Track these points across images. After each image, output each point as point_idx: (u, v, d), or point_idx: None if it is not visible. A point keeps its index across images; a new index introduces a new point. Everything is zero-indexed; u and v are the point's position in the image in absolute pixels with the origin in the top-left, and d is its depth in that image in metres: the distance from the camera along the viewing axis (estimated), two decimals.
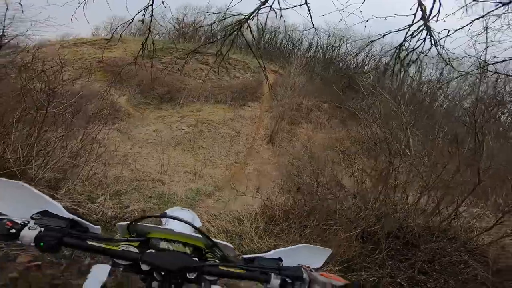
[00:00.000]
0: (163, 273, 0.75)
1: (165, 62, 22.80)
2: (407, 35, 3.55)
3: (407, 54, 3.82)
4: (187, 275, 0.77)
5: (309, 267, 0.86)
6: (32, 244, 0.67)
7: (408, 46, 3.70)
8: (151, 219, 0.91)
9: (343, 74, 26.26)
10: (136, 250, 0.79)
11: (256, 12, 3.73)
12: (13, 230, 0.66)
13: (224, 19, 4.43)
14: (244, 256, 0.92)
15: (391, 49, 3.99)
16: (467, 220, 4.15)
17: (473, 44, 3.70)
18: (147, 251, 0.78)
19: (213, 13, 4.58)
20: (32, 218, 0.72)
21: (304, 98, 20.56)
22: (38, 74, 4.70)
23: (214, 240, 0.86)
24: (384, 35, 3.82)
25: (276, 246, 3.84)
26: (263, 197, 5.32)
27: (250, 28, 4.02)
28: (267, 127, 17.55)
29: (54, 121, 4.85)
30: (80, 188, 4.40)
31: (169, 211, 1.70)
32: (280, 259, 0.92)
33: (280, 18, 3.88)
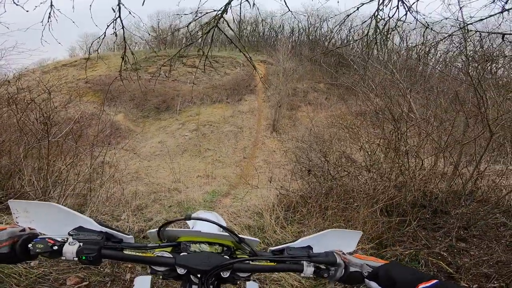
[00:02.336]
0: (199, 275, 0.77)
1: (151, 72, 22.72)
2: (379, 4, 3.61)
3: (385, 24, 3.86)
4: (221, 274, 0.78)
5: (341, 251, 0.85)
6: (75, 258, 0.71)
7: (383, 15, 3.76)
8: (179, 224, 0.94)
9: (330, 51, 26.15)
10: (170, 255, 0.80)
11: (229, 5, 3.68)
12: (56, 247, 0.70)
13: (198, 18, 4.34)
14: (272, 248, 0.91)
15: (366, 19, 3.98)
16: (491, 179, 4.01)
17: (448, 7, 3.77)
18: (180, 255, 0.80)
19: (186, 14, 4.49)
20: (69, 234, 0.75)
21: (298, 81, 20.53)
22: (28, 105, 4.68)
23: (241, 236, 0.85)
24: (358, 8, 3.88)
25: (300, 233, 3.83)
26: (276, 186, 5.28)
27: (227, 22, 3.99)
28: (267, 117, 17.60)
29: (59, 150, 4.91)
30: (102, 208, 4.47)
31: (194, 215, 1.79)
32: (309, 247, 0.90)
33: (253, 6, 3.84)
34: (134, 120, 17.59)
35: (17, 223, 0.80)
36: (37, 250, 0.69)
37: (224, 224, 1.86)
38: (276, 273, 2.67)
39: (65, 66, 22.77)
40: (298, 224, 4.16)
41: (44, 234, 0.75)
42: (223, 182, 9.77)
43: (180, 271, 0.77)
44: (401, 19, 3.69)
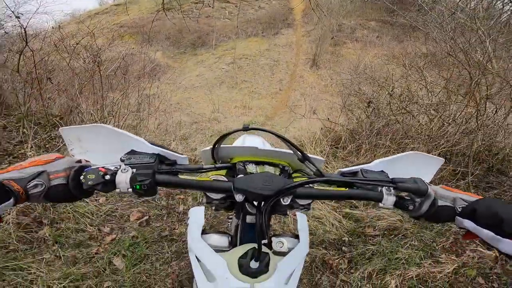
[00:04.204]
0: (256, 203, 0.66)
1: (185, 11, 22.16)
2: None
3: None
4: (282, 200, 0.66)
5: (420, 179, 0.70)
6: (129, 189, 0.63)
7: None
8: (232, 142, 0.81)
9: None
10: (225, 179, 0.72)
11: None
12: (108, 177, 0.63)
13: None
14: (342, 169, 0.78)
15: None
16: None
17: None
18: (237, 177, 0.69)
19: None
20: (121, 160, 0.68)
21: (345, 18, 18.73)
22: (75, 48, 4.95)
23: (306, 154, 0.72)
24: None
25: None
26: (322, 118, 4.98)
27: None
28: (307, 51, 16.74)
29: (109, 84, 5.25)
30: (152, 137, 4.83)
31: (239, 140, 1.60)
32: (384, 173, 0.77)
33: None
34: (172, 57, 17.76)
35: (73, 155, 0.76)
36: (89, 182, 0.62)
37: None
38: (346, 200, 2.41)
39: (97, 14, 22.74)
40: (344, 161, 3.95)
41: (95, 165, 0.67)
42: (260, 113, 9.95)
43: (238, 197, 0.65)
44: None
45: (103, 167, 0.64)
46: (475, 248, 2.34)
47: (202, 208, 0.79)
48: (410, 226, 2.61)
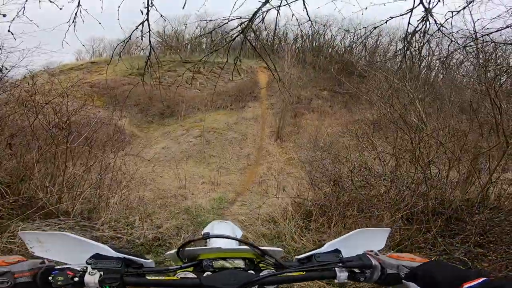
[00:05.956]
0: None
1: (157, 78, 22.84)
2: (410, 20, 3.63)
3: (411, 36, 3.92)
4: None
5: (372, 251, 0.81)
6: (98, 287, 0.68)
7: (410, 29, 3.80)
8: (197, 242, 0.87)
9: (338, 60, 26.32)
10: (193, 275, 0.78)
11: (258, 13, 3.76)
12: (76, 278, 0.67)
13: (223, 25, 4.45)
14: (298, 256, 0.87)
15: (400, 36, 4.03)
16: (503, 188, 4.06)
17: (463, 17, 3.87)
18: (205, 275, 0.76)
19: (211, 20, 4.55)
20: (87, 263, 0.72)
21: (302, 89, 20.66)
22: (43, 108, 4.52)
23: (262, 247, 0.82)
24: (386, 21, 3.89)
25: (322, 240, 3.82)
26: (291, 195, 5.27)
27: (254, 31, 4.05)
28: (271, 124, 17.68)
29: (72, 155, 4.86)
30: (115, 215, 4.42)
31: (208, 227, 1.73)
32: (337, 251, 0.86)
33: (277, 16, 3.94)
34: (139, 125, 17.67)
35: (33, 253, 0.78)
36: (59, 283, 0.66)
37: (241, 233, 1.79)
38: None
39: (71, 69, 22.87)
40: (318, 233, 4.12)
41: (62, 264, 0.73)
42: (229, 188, 9.76)
43: None
44: (430, 33, 3.74)
45: (70, 270, 0.68)
46: None
47: None
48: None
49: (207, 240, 1.29)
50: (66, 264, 0.73)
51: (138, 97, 18.23)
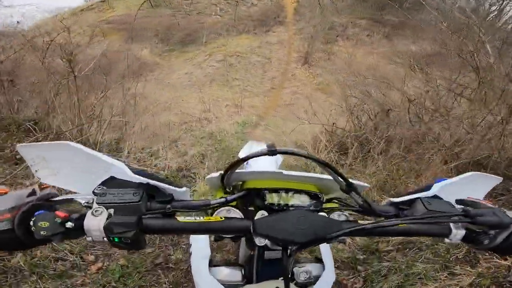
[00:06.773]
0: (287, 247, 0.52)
1: (174, 7, 21.79)
2: None
3: None
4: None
5: (499, 210, 0.59)
6: (104, 238, 0.46)
7: None
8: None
9: None
10: (240, 214, 0.58)
11: None
12: (70, 223, 0.45)
13: None
14: (394, 199, 0.64)
15: None
16: None
17: None
18: (258, 218, 0.53)
19: None
20: (94, 193, 0.50)
21: (336, 16, 18.70)
22: (49, 45, 4.39)
23: (351, 180, 0.55)
24: None
25: (358, 178, 3.59)
26: (323, 122, 4.64)
27: None
28: (298, 49, 16.63)
29: (89, 85, 4.85)
30: (139, 143, 4.47)
31: (246, 148, 1.53)
32: (437, 197, 0.64)
33: None
34: (160, 55, 17.40)
35: (39, 178, 0.55)
36: (42, 232, 0.44)
37: (281, 159, 1.52)
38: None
39: (83, 11, 22.08)
40: (350, 171, 3.71)
41: (71, 193, 0.53)
42: (252, 111, 9.77)
43: (260, 241, 0.52)
44: None
45: (61, 211, 0.45)
46: (490, 259, 2.24)
47: (206, 237, 0.71)
48: (424, 238, 2.48)
49: (245, 163, 0.94)
50: (74, 193, 0.53)
51: (156, 27, 17.62)
